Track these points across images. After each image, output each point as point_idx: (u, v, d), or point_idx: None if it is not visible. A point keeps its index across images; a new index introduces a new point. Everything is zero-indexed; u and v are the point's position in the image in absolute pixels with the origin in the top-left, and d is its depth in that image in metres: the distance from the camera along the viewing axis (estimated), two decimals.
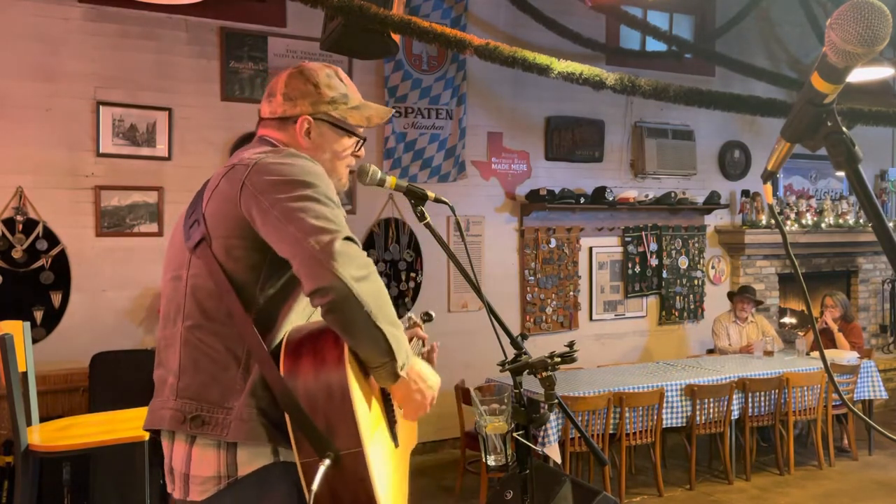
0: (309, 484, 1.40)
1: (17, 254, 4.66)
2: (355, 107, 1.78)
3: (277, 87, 1.75)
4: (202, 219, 1.58)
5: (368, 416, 1.53)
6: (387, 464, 1.60)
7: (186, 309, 1.58)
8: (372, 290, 1.46)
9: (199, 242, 1.57)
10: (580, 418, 4.64)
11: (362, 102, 1.82)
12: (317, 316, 1.59)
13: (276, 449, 1.52)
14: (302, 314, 1.62)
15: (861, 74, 4.91)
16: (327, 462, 1.40)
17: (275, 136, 1.74)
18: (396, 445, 1.73)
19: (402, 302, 5.90)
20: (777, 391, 5.41)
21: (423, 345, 2.06)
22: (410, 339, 2.00)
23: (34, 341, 4.35)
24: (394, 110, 1.87)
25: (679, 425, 5.17)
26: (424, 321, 2.18)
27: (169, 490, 1.63)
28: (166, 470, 1.62)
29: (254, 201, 1.51)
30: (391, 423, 1.73)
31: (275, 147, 1.69)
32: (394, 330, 1.49)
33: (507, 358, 1.92)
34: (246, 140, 5.27)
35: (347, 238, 1.47)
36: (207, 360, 1.54)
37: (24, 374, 3.11)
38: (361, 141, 1.82)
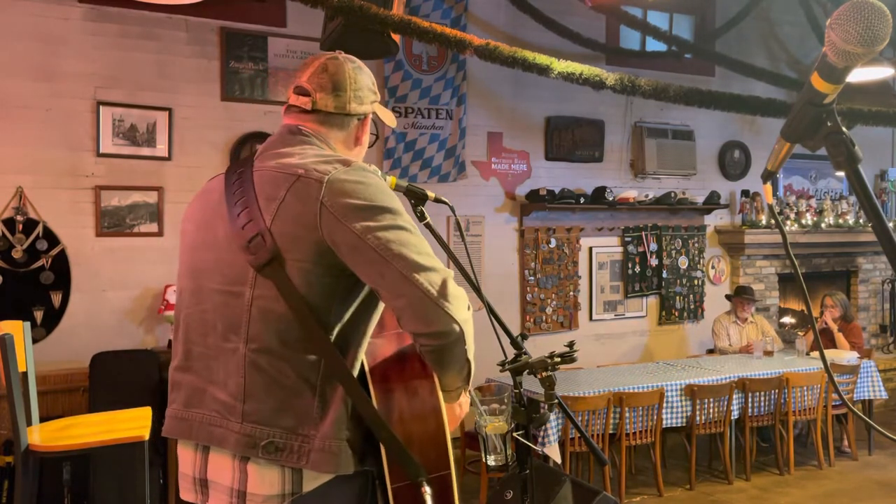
0: None
1: (17, 254, 4.66)
2: (378, 101, 1.79)
3: (345, 81, 1.65)
4: (269, 235, 1.47)
5: None
6: None
7: (252, 331, 1.48)
8: (471, 329, 1.48)
9: (269, 262, 1.46)
10: (580, 418, 4.64)
11: (381, 107, 1.84)
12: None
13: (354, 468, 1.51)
14: (369, 337, 1.61)
15: (861, 74, 4.91)
16: (429, 490, 1.43)
17: (320, 130, 1.65)
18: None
19: None
20: (777, 391, 5.41)
21: None
22: None
23: (34, 341, 4.35)
24: (394, 114, 1.88)
25: (679, 425, 5.17)
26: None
27: (186, 497, 1.59)
28: (188, 479, 1.58)
29: (338, 228, 1.44)
30: None
31: (316, 146, 1.61)
32: (473, 360, 1.53)
33: (507, 358, 1.92)
34: (246, 140, 5.27)
35: (451, 276, 1.47)
36: (277, 386, 1.47)
37: (24, 374, 3.11)
38: (375, 137, 1.83)
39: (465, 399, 1.68)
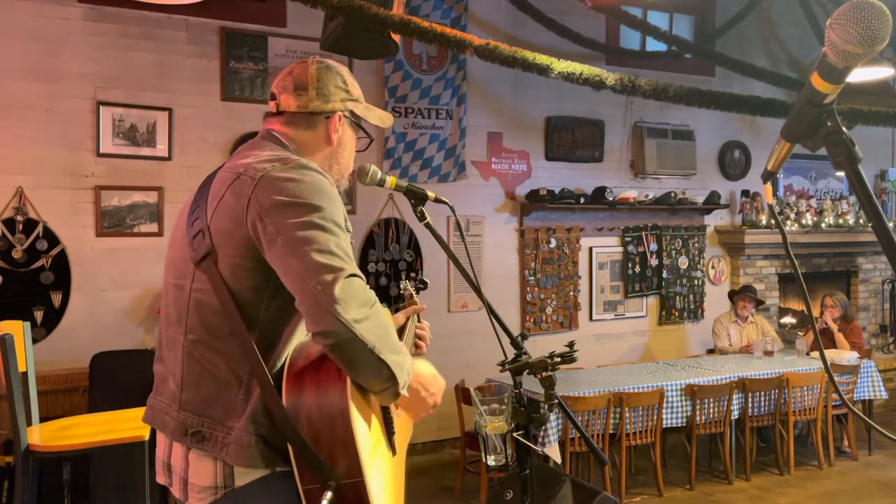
0: None
1: (17, 254, 4.66)
2: (366, 108, 1.80)
3: (307, 80, 1.69)
4: (207, 231, 1.54)
5: (369, 437, 1.54)
6: (385, 480, 1.61)
7: (189, 322, 1.56)
8: (373, 327, 1.45)
9: (205, 257, 1.53)
10: (580, 418, 4.64)
11: (368, 104, 1.83)
12: None
13: (274, 466, 1.52)
14: (303, 333, 1.62)
15: (861, 74, 4.91)
16: (329, 494, 1.41)
17: (288, 133, 1.69)
18: (394, 454, 1.73)
19: (402, 302, 5.89)
20: (777, 391, 5.41)
21: (418, 319, 2.07)
22: (407, 319, 2.02)
23: (34, 341, 4.36)
24: (393, 114, 1.88)
25: (679, 425, 5.17)
26: (419, 290, 2.18)
27: (159, 480, 1.65)
28: (160, 462, 1.65)
29: (259, 223, 1.48)
30: (389, 433, 1.73)
31: (282, 148, 1.65)
32: (396, 357, 1.49)
33: (507, 358, 1.92)
34: (246, 140, 5.26)
35: (351, 275, 1.44)
36: (209, 378, 1.54)
37: (25, 374, 3.12)
38: (370, 142, 1.84)
39: (425, 394, 1.66)
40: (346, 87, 1.73)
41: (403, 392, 1.53)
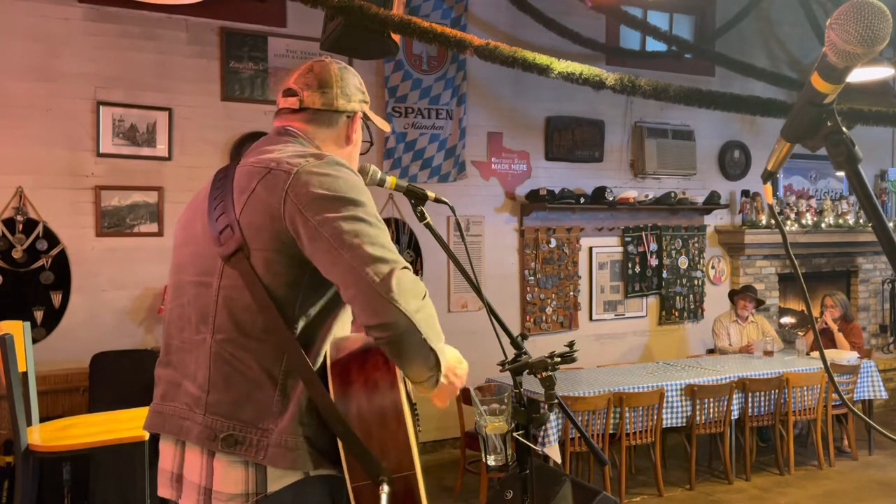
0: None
1: (17, 254, 4.66)
2: (367, 102, 1.82)
3: (331, 79, 1.68)
4: (237, 226, 1.49)
5: (412, 428, 1.53)
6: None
7: (217, 321, 1.50)
8: (427, 318, 1.44)
9: (235, 252, 1.48)
10: (580, 418, 4.64)
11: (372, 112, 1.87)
12: (348, 326, 1.59)
13: (318, 467, 1.48)
14: (339, 332, 1.60)
15: (861, 74, 4.91)
16: (387, 489, 1.39)
17: (306, 129, 1.67)
18: (417, 439, 1.72)
19: None
20: (777, 391, 5.41)
21: None
22: None
23: (34, 341, 4.36)
24: (394, 114, 1.90)
25: (679, 425, 5.17)
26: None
27: (163, 494, 1.58)
28: (166, 474, 1.58)
29: (300, 217, 1.44)
30: (414, 417, 1.71)
31: (301, 144, 1.64)
32: (441, 345, 1.49)
33: (507, 358, 1.92)
34: (246, 140, 5.27)
35: (404, 268, 1.44)
36: (240, 378, 1.48)
37: (25, 374, 3.11)
38: (370, 144, 1.85)
39: (454, 378, 1.63)
40: (362, 88, 1.76)
41: (442, 381, 1.53)
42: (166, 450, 1.59)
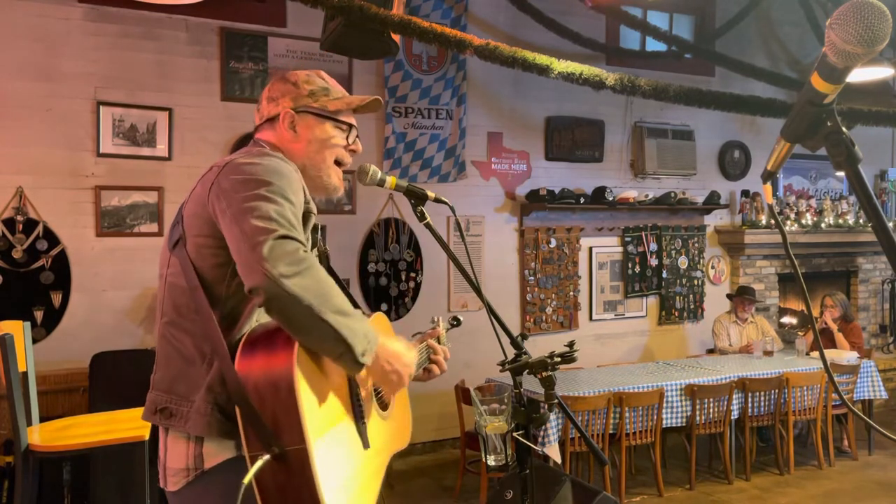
0: (258, 475, 1.42)
1: (17, 254, 4.66)
2: (337, 98, 1.83)
3: (263, 96, 1.85)
4: (180, 219, 1.67)
5: (324, 410, 1.53)
6: (348, 464, 1.60)
7: (165, 306, 1.67)
8: (309, 284, 1.45)
9: (177, 242, 1.64)
10: (580, 418, 4.64)
11: (346, 95, 1.86)
12: None
13: (239, 443, 1.51)
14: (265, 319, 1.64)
15: (861, 74, 4.91)
16: (266, 456, 1.42)
17: (264, 138, 1.81)
18: (366, 447, 1.70)
19: (401, 302, 5.90)
20: (777, 391, 5.41)
21: (433, 352, 2.04)
22: (423, 342, 2.01)
23: (34, 341, 4.36)
24: (376, 97, 1.89)
25: (679, 425, 5.17)
26: (452, 326, 2.18)
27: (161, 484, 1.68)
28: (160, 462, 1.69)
29: (217, 202, 1.56)
30: (359, 423, 1.70)
31: (260, 147, 1.75)
32: (344, 319, 1.48)
33: (507, 358, 1.92)
34: (246, 140, 5.27)
35: (283, 237, 1.46)
36: (177, 355, 1.61)
37: (25, 374, 3.12)
38: (348, 127, 1.84)
39: (398, 365, 1.63)
40: (296, 87, 1.80)
41: (364, 360, 1.52)
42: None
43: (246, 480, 1.40)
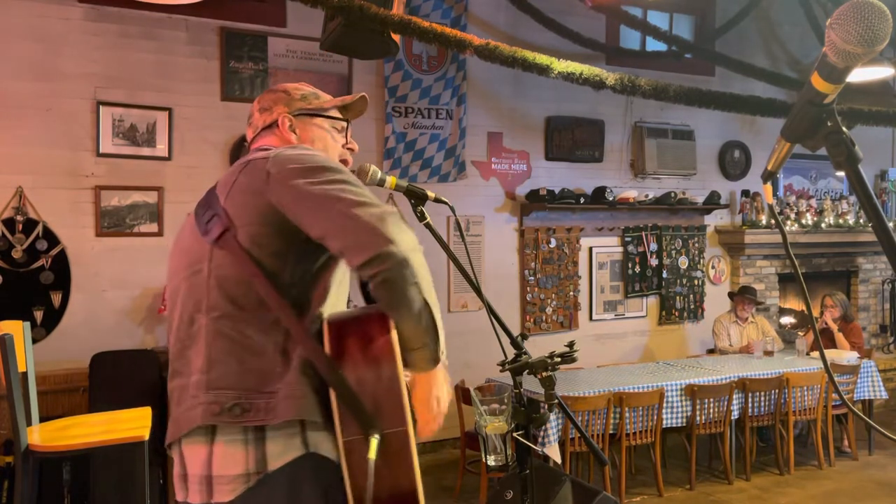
0: (354, 465, 1.40)
1: (17, 254, 4.66)
2: (327, 100, 1.85)
3: (253, 109, 1.84)
4: (222, 212, 1.56)
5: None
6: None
7: (211, 300, 1.54)
8: (422, 265, 1.48)
9: (223, 234, 1.54)
10: (580, 418, 4.64)
11: (333, 99, 1.87)
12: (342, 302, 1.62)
13: (306, 439, 1.48)
14: (329, 304, 1.61)
15: (861, 74, 4.91)
16: (377, 436, 1.39)
17: (267, 143, 1.77)
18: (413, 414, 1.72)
19: None
20: (777, 391, 5.41)
21: None
22: None
23: (34, 341, 4.36)
24: (363, 94, 1.89)
25: (679, 425, 5.16)
26: None
27: (179, 498, 1.58)
28: (177, 479, 1.58)
29: (285, 188, 1.51)
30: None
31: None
32: (437, 312, 1.51)
33: (507, 358, 1.92)
34: (246, 140, 5.27)
35: (393, 213, 1.49)
36: (240, 349, 1.51)
37: (24, 374, 3.11)
38: (345, 124, 1.85)
39: (439, 392, 1.62)
40: (287, 94, 1.82)
41: (441, 359, 1.54)
42: (175, 457, 1.60)
43: (373, 456, 1.37)
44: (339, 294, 1.63)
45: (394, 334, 1.48)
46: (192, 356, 1.56)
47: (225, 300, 1.53)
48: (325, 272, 1.58)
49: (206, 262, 1.57)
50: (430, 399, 1.62)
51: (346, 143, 1.85)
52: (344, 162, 1.84)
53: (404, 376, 1.48)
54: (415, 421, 1.72)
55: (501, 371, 1.95)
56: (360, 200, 1.47)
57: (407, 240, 1.46)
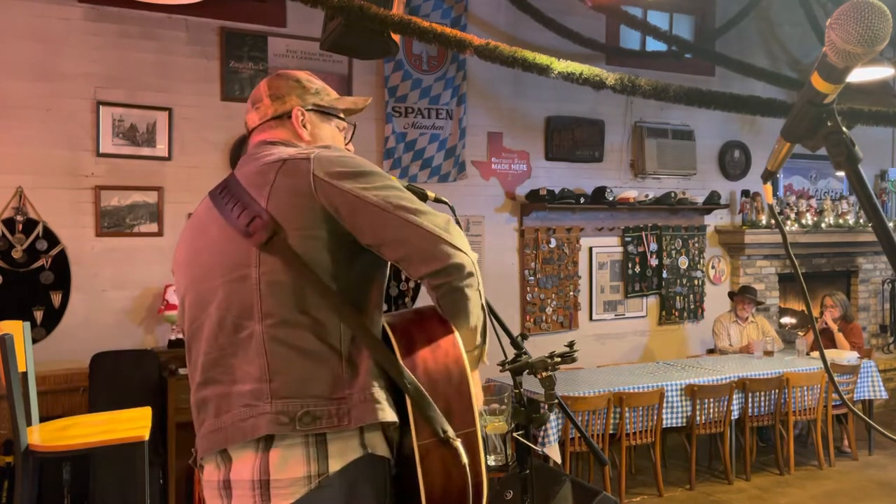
0: (430, 467, 1.41)
1: (17, 254, 4.66)
2: (337, 98, 1.81)
3: (261, 93, 1.75)
4: (266, 214, 1.49)
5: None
6: None
7: (265, 308, 1.48)
8: (479, 270, 1.52)
9: (271, 238, 1.47)
10: (580, 418, 4.64)
11: (342, 97, 1.84)
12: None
13: (363, 440, 1.47)
14: (380, 304, 1.60)
15: (861, 74, 4.91)
16: (458, 440, 1.42)
17: (275, 136, 1.70)
18: None
19: (401, 302, 5.90)
20: (777, 391, 5.41)
21: None
22: None
23: (34, 341, 4.36)
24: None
25: (679, 425, 5.17)
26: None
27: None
28: (213, 486, 1.54)
29: (336, 192, 1.48)
30: None
31: (289, 145, 1.66)
32: (486, 318, 1.55)
33: (507, 358, 1.92)
34: (246, 140, 5.26)
35: (450, 221, 1.50)
36: (302, 356, 1.46)
37: (24, 374, 3.11)
38: (351, 127, 1.84)
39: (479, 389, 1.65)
40: (299, 84, 1.76)
41: (486, 360, 1.56)
42: (209, 467, 1.55)
43: (465, 458, 1.41)
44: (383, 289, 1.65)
45: (457, 335, 1.50)
46: (236, 364, 1.51)
47: (281, 307, 1.48)
48: (379, 274, 1.58)
49: (252, 266, 1.49)
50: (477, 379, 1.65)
51: (347, 144, 1.84)
52: None
53: (471, 377, 1.50)
54: None
55: (501, 371, 1.95)
56: (418, 208, 1.48)
57: (468, 248, 1.49)
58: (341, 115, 1.81)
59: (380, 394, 1.46)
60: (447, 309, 1.50)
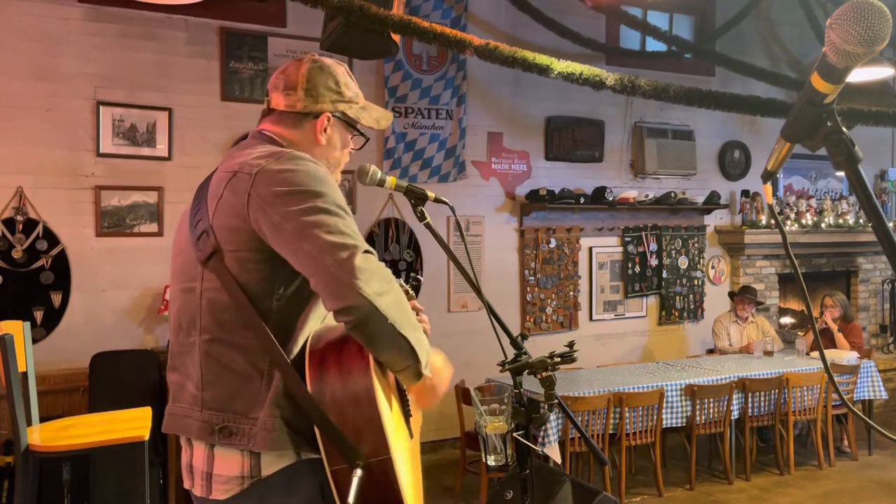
0: (343, 494, 1.43)
1: (17, 254, 4.66)
2: (363, 107, 1.79)
3: (297, 80, 1.70)
4: (211, 231, 1.56)
5: (391, 417, 1.55)
6: (405, 459, 1.62)
7: (203, 323, 1.57)
8: (394, 302, 1.46)
9: (211, 256, 1.55)
10: (580, 418, 4.64)
11: (367, 103, 1.82)
12: (331, 318, 1.61)
13: (298, 450, 1.53)
14: (317, 319, 1.62)
15: (861, 74, 4.91)
16: (359, 472, 1.42)
17: (278, 132, 1.70)
18: (411, 437, 1.74)
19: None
20: (777, 391, 5.41)
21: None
22: None
23: (34, 341, 4.36)
24: (394, 114, 1.88)
25: (679, 425, 5.17)
26: (413, 286, 2.14)
27: (186, 486, 1.66)
28: (184, 467, 1.66)
29: (262, 215, 1.49)
30: (406, 415, 1.74)
31: (275, 146, 1.66)
32: (417, 334, 1.51)
33: (507, 358, 1.92)
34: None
35: (366, 252, 1.46)
36: (229, 373, 1.55)
37: (24, 374, 3.11)
38: (365, 141, 1.83)
39: (437, 380, 1.64)
40: (338, 88, 1.73)
41: (426, 372, 1.55)
42: (183, 444, 1.67)
43: (351, 499, 1.40)
44: (321, 309, 1.63)
45: (371, 363, 1.50)
46: (188, 363, 1.62)
47: (214, 324, 1.56)
48: (310, 294, 1.56)
49: (198, 281, 1.59)
50: (425, 391, 1.65)
51: (349, 149, 1.83)
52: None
53: (384, 402, 1.51)
54: (409, 413, 1.75)
55: (501, 371, 1.95)
56: (330, 241, 1.44)
57: (374, 284, 1.43)
58: (360, 131, 1.80)
59: (276, 423, 1.50)
60: (360, 342, 1.50)
